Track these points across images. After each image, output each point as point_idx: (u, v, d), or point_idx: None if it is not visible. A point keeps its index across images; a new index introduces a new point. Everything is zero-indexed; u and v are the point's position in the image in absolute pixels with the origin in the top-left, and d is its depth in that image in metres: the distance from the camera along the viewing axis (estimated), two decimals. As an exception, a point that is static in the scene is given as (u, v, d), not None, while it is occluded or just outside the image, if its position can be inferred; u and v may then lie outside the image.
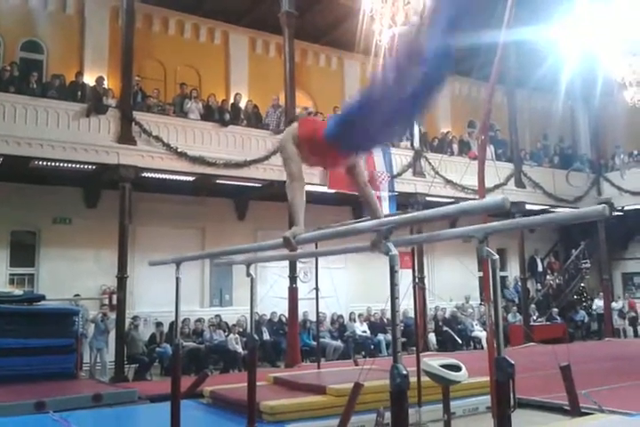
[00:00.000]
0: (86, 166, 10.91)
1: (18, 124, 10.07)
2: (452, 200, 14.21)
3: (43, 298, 10.19)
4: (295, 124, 3.37)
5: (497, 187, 13.58)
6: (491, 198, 2.31)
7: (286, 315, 12.40)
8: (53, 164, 10.56)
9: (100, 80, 11.67)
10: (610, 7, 11.84)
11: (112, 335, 10.70)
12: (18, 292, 11.09)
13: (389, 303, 2.51)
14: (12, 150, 9.99)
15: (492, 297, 2.79)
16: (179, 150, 11.23)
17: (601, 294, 17.15)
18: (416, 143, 14.31)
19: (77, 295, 11.22)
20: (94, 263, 11.94)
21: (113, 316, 10.71)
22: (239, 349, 11.60)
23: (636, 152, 17.67)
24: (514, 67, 15.43)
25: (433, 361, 5.56)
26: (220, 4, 13.46)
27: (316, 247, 6.80)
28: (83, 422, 6.61)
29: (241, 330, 12.20)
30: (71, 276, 11.66)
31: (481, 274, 13.66)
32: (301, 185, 3.26)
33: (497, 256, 2.61)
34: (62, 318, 9.91)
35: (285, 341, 12.15)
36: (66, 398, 7.25)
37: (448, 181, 14.32)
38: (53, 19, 12.61)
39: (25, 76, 11.17)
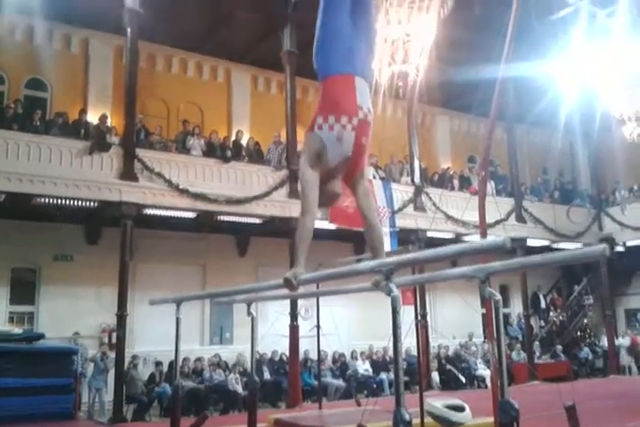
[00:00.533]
0: (88, 203, 10.91)
1: (21, 162, 10.13)
2: (454, 236, 14.20)
3: (42, 337, 10.07)
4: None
5: (498, 222, 13.56)
6: (492, 239, 2.29)
7: (287, 353, 12.23)
8: (55, 201, 10.57)
9: (103, 118, 11.81)
10: (607, 43, 12.06)
11: (111, 374, 10.54)
12: (17, 330, 10.97)
13: (392, 341, 2.47)
14: (14, 187, 10.02)
15: (495, 336, 2.75)
16: (180, 187, 11.26)
17: (605, 330, 16.94)
18: (416, 178, 14.36)
19: (77, 334, 11.10)
20: (94, 301, 11.86)
21: (112, 355, 10.56)
22: (239, 389, 11.41)
23: (636, 187, 17.72)
24: (512, 102, 15.62)
25: (436, 402, 5.45)
26: (223, 42, 13.73)
27: (318, 287, 6.76)
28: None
29: (241, 369, 12.01)
30: (71, 314, 11.57)
31: (484, 311, 13.54)
32: (312, 219, 3.11)
33: (499, 297, 2.58)
34: (61, 358, 9.78)
35: (286, 380, 11.94)
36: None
37: (449, 217, 14.32)
38: (58, 57, 12.82)
39: (29, 113, 11.30)
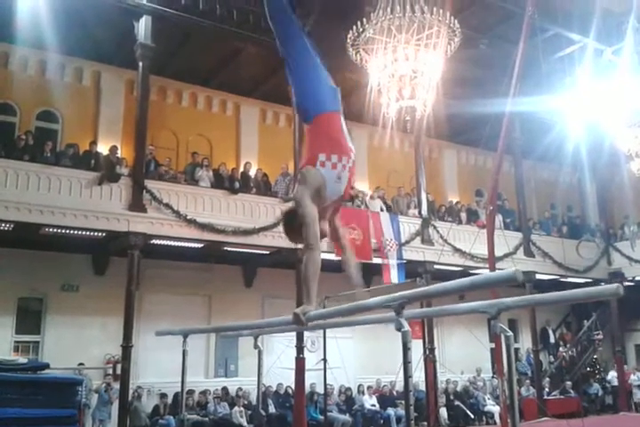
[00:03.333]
0: (96, 233, 10.98)
1: (30, 192, 10.22)
2: (462, 269, 14.13)
3: (47, 367, 9.95)
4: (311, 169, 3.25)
5: (506, 256, 13.50)
6: (502, 272, 2.29)
7: (293, 387, 12.07)
8: (64, 231, 10.63)
9: (113, 149, 11.95)
10: (613, 79, 12.21)
11: (115, 406, 10.42)
12: (22, 360, 10.86)
13: (399, 375, 2.45)
14: (23, 217, 10.08)
15: (506, 373, 2.72)
16: (188, 217, 11.31)
17: (615, 366, 16.66)
18: (424, 211, 14.37)
19: (82, 364, 11.01)
20: (100, 331, 11.78)
21: (116, 386, 10.46)
22: (244, 422, 11.24)
23: (644, 222, 17.65)
24: (519, 137, 15.73)
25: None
26: (232, 77, 13.95)
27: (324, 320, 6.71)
28: None
29: (246, 402, 11.85)
30: (76, 344, 11.49)
31: (492, 345, 13.38)
32: (319, 254, 3.11)
33: (511, 333, 2.56)
34: (66, 388, 9.64)
35: (292, 414, 11.75)
36: None
37: (457, 250, 14.26)
38: (69, 89, 13.02)
39: (40, 144, 11.43)
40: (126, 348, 10.22)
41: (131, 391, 10.54)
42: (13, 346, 11.78)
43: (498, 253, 9.89)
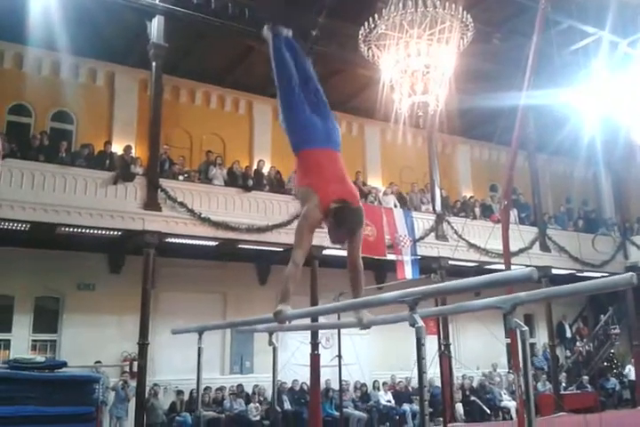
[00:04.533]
0: (112, 232, 11.07)
1: (46, 192, 10.32)
2: (477, 264, 14.07)
3: (64, 365, 10.09)
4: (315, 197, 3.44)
5: (522, 251, 13.44)
6: (519, 271, 2.27)
7: (308, 383, 12.10)
8: (79, 230, 10.72)
9: (127, 149, 12.02)
10: (629, 72, 12.07)
11: (132, 403, 10.51)
12: (40, 358, 11.01)
13: (415, 372, 2.45)
14: (39, 217, 10.18)
15: (522, 368, 2.71)
16: (202, 216, 11.37)
17: (632, 360, 16.52)
18: (438, 207, 14.33)
19: (99, 362, 11.11)
20: (116, 329, 11.88)
21: (133, 383, 10.56)
22: (259, 418, 11.30)
23: (661, 215, 17.47)
24: (533, 131, 15.61)
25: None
26: (245, 75, 13.98)
27: (339, 318, 6.72)
28: None
29: (261, 399, 11.90)
30: (93, 342, 11.59)
31: (508, 341, 13.32)
32: (300, 271, 3.55)
33: (526, 328, 2.55)
34: (83, 386, 9.77)
35: (307, 410, 11.79)
36: None
37: (471, 245, 14.20)
38: (84, 90, 13.14)
39: (55, 145, 11.54)
40: (142, 345, 10.30)
41: (147, 389, 10.63)
42: (31, 345, 11.93)
43: (513, 248, 9.84)
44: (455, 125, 15.15)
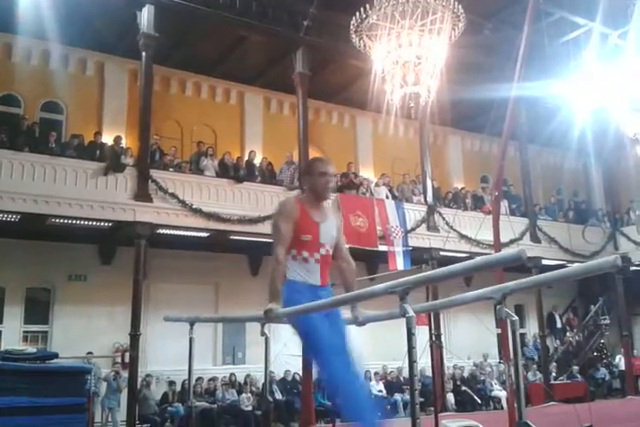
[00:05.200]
0: (103, 224, 11.03)
1: (36, 183, 10.26)
2: (468, 255, 14.13)
3: (56, 356, 10.07)
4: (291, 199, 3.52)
5: (512, 242, 13.48)
6: (507, 252, 2.28)
7: (300, 373, 12.15)
8: (70, 221, 10.68)
9: (118, 139, 11.95)
10: (619, 63, 12.10)
11: (124, 394, 10.53)
12: (31, 349, 10.98)
13: (406, 362, 2.46)
14: (29, 208, 10.13)
15: (512, 358, 2.74)
16: (194, 207, 11.34)
17: (622, 350, 16.69)
18: (429, 198, 14.36)
19: (90, 353, 11.11)
20: (108, 320, 11.87)
21: (125, 374, 10.57)
22: (251, 408, 11.35)
23: (650, 206, 17.56)
24: (524, 122, 15.65)
25: (452, 423, 5.39)
26: (236, 65, 13.91)
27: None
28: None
29: (254, 389, 11.94)
30: (85, 333, 11.58)
31: (499, 331, 13.41)
32: (283, 267, 3.44)
33: (516, 317, 2.57)
34: (75, 377, 9.77)
35: (299, 400, 11.84)
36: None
37: (462, 236, 14.26)
38: (73, 80, 13.00)
39: (44, 135, 11.45)
40: (134, 336, 10.30)
41: (139, 380, 10.64)
42: (22, 336, 11.91)
43: (504, 238, 9.84)
44: (446, 117, 15.16)
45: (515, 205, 16.62)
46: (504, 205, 13.68)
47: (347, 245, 3.66)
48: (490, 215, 7.79)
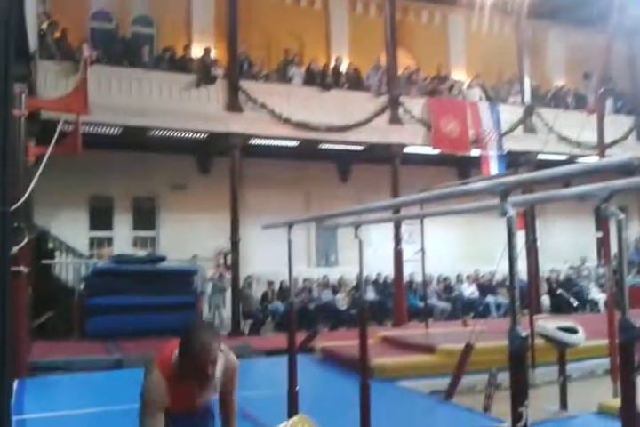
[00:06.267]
0: (198, 135, 11.41)
1: (133, 96, 10.62)
2: (567, 157, 13.55)
3: (164, 259, 10.89)
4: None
5: (616, 142, 12.76)
6: (616, 157, 2.19)
7: (391, 276, 12.49)
8: (168, 133, 11.10)
9: (207, 51, 11.98)
10: None
11: (228, 293, 11.31)
12: (141, 253, 11.94)
13: (499, 265, 2.47)
14: (129, 121, 10.57)
15: (616, 257, 2.69)
16: (283, 117, 11.42)
17: None
18: (527, 98, 13.66)
19: (195, 256, 11.86)
20: (209, 226, 12.45)
21: (228, 275, 11.27)
22: (345, 308, 11.94)
23: None
24: (633, 12, 14.20)
25: (548, 324, 5.44)
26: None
27: (421, 208, 6.74)
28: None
29: (347, 290, 12.48)
30: (188, 237, 12.32)
31: (599, 234, 13.06)
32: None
33: (623, 215, 2.50)
34: (183, 278, 10.59)
35: (391, 301, 12.27)
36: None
37: (562, 138, 13.59)
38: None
39: (137, 49, 11.65)
40: (235, 242, 10.89)
41: (241, 281, 11.36)
42: (132, 241, 12.87)
43: (607, 139, 9.31)
44: (546, 9, 14.02)
45: (620, 102, 15.54)
46: (609, 103, 12.82)
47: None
48: (593, 114, 7.33)
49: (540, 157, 13.10)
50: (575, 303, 13.83)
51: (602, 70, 7.30)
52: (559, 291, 13.99)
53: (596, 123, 6.69)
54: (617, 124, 11.84)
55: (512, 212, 2.50)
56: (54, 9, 11.48)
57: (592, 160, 2.39)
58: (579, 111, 13.99)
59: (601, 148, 6.40)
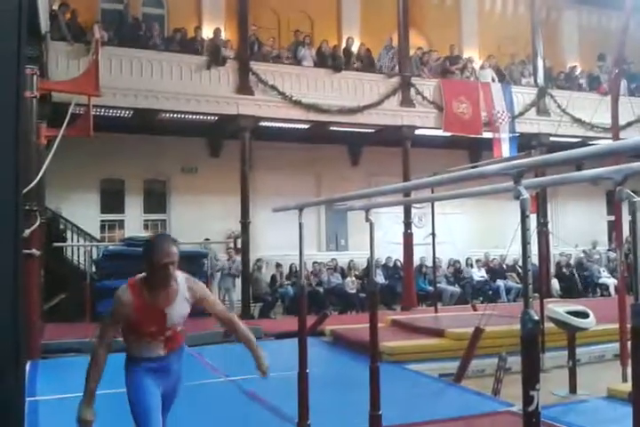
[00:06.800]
0: (209, 117, 11.36)
1: (144, 78, 10.58)
2: (580, 140, 13.40)
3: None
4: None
5: (630, 124, 12.59)
6: (633, 139, 2.14)
7: (401, 260, 12.48)
8: (178, 115, 11.06)
9: (217, 32, 11.87)
10: None
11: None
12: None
13: (510, 249, 2.45)
14: (140, 103, 10.54)
15: (630, 240, 2.65)
16: (294, 99, 11.34)
17: None
18: (540, 79, 13.47)
19: (207, 239, 11.88)
20: (219, 209, 12.46)
21: (238, 258, 11.30)
22: (355, 291, 11.96)
23: None
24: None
25: (559, 308, 5.42)
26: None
27: (432, 192, 6.70)
28: (214, 356, 7.13)
29: (356, 273, 12.49)
30: (199, 220, 12.33)
31: (611, 218, 12.97)
32: (103, 353, 2.80)
33: (638, 198, 2.45)
34: (194, 260, 10.60)
35: (401, 285, 12.28)
36: (199, 335, 7.70)
37: (576, 120, 13.42)
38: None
39: (148, 30, 11.55)
40: (244, 224, 10.89)
41: (251, 264, 11.38)
42: (143, 224, 12.92)
43: (622, 121, 9.18)
44: (562, -12, 13.77)
45: (634, 84, 15.30)
46: (623, 84, 12.62)
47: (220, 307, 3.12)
48: (607, 96, 7.23)
49: (553, 139, 12.97)
50: (584, 287, 13.77)
51: (617, 51, 7.16)
52: (569, 275, 13.92)
53: (609, 104, 6.59)
54: (632, 106, 11.60)
55: (526, 194, 2.47)
56: (64, -11, 11.39)
57: (606, 142, 2.36)
58: (592, 93, 13.83)
59: (615, 130, 6.31)
